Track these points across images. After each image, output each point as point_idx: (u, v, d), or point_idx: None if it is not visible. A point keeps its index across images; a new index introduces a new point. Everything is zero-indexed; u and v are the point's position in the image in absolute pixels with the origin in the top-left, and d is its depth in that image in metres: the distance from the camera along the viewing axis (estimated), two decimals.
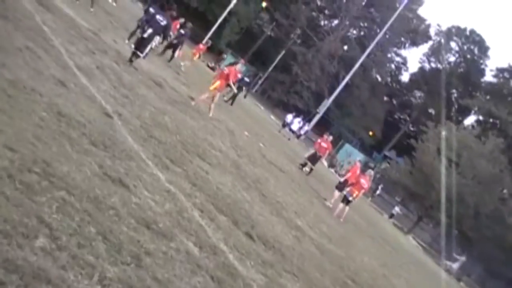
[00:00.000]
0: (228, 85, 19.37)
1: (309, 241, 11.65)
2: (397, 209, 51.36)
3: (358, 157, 52.99)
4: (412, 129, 79.53)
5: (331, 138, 27.33)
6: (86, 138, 7.39)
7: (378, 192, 56.42)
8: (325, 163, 41.93)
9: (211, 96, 18.38)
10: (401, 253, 26.33)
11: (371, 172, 22.01)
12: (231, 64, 20.94)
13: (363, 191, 21.00)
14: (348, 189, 20.43)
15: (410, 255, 29.65)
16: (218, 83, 18.55)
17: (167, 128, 11.40)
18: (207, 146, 12.81)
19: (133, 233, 5.66)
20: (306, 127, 50.65)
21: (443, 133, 54.74)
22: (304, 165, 25.48)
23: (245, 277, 6.78)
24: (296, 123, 47.84)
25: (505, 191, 57.32)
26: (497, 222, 54.16)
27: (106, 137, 7.99)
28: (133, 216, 6.06)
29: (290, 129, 45.84)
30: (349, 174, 22.07)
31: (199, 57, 36.16)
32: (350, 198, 19.97)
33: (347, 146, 54.33)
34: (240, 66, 20.94)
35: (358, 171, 21.92)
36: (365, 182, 20.64)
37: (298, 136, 47.20)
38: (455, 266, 44.34)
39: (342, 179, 21.92)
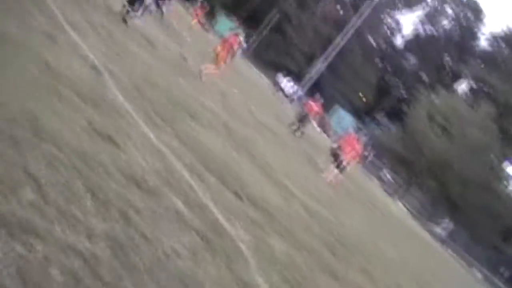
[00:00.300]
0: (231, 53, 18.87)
1: (297, 202, 11.71)
2: (387, 176, 51.57)
3: (350, 121, 53.08)
4: (404, 94, 79.47)
5: (321, 100, 27.46)
6: (76, 94, 7.32)
7: (369, 158, 56.53)
8: (317, 127, 41.91)
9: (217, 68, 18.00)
10: (390, 218, 26.58)
11: (365, 139, 22.17)
12: (234, 34, 20.39)
13: (357, 159, 21.17)
14: (342, 157, 20.57)
15: (399, 220, 29.94)
16: (221, 54, 17.99)
17: (157, 86, 11.33)
18: (198, 107, 12.76)
19: (122, 190, 5.65)
20: (300, 92, 50.50)
21: (435, 99, 54.87)
22: (297, 129, 25.48)
23: (233, 236, 6.82)
24: (289, 86, 47.71)
25: (494, 158, 57.71)
26: (485, 190, 54.67)
27: (96, 94, 7.92)
28: (122, 174, 6.04)
29: (283, 92, 45.70)
30: (344, 143, 22.21)
31: (199, 22, 35.74)
32: (345, 164, 20.17)
33: (339, 110, 54.30)
34: (241, 37, 20.47)
35: (353, 140, 22.03)
36: (359, 150, 20.83)
37: (292, 101, 47.10)
38: (442, 232, 44.86)
39: (335, 146, 22.04)
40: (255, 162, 12.20)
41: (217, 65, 17.69)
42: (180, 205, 6.47)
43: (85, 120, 6.72)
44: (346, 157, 20.28)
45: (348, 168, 20.95)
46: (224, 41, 18.80)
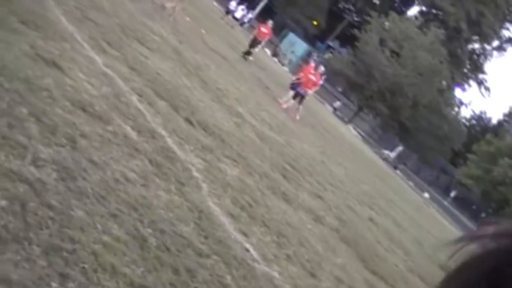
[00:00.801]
0: None
1: (249, 127, 11.71)
2: (338, 103, 52.02)
3: (301, 46, 52.77)
4: (356, 19, 79.23)
5: (270, 22, 27.31)
6: (15, 16, 7.00)
7: (320, 82, 56.74)
8: (268, 52, 41.60)
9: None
10: (341, 142, 26.95)
11: (322, 68, 22.20)
12: None
13: (315, 88, 21.28)
14: (301, 87, 20.66)
15: (349, 144, 30.41)
16: None
17: (103, 10, 10.97)
18: (146, 31, 12.45)
19: (67, 115, 5.52)
20: (250, 15, 49.76)
21: (386, 23, 54.95)
22: (247, 53, 25.21)
23: (184, 161, 6.79)
24: (240, 11, 46.97)
25: (443, 82, 58.68)
26: (434, 113, 55.88)
27: (38, 17, 7.60)
28: (67, 98, 5.89)
29: (234, 17, 44.97)
30: (301, 74, 22.34)
31: None
32: (304, 94, 20.31)
33: (291, 35, 53.71)
34: None
35: (311, 70, 22.06)
36: (316, 80, 20.93)
37: (242, 24, 46.41)
38: (392, 155, 45.88)
39: (295, 79, 22.10)
40: (206, 87, 12.08)
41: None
42: (129, 130, 6.38)
43: (27, 44, 6.47)
44: (305, 88, 20.42)
45: (307, 99, 21.10)
46: None
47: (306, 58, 24.98)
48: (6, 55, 5.76)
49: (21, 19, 7.05)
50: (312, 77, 21.02)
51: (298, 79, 21.77)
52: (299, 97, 20.51)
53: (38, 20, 7.44)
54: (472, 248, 0.73)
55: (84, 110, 5.93)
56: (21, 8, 7.42)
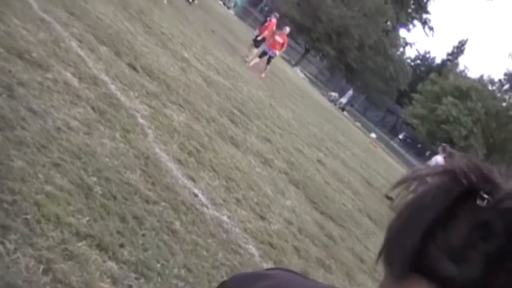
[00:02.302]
0: None
1: (195, 72, 11.55)
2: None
3: None
4: None
5: None
6: None
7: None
8: None
9: None
10: (288, 84, 26.96)
11: (287, 29, 22.13)
12: None
13: (283, 49, 22.01)
14: (266, 46, 20.91)
15: (297, 86, 30.44)
16: None
17: None
18: None
19: (3, 62, 5.29)
20: None
21: None
22: None
23: (128, 108, 6.65)
24: None
25: (388, 23, 59.04)
26: (380, 54, 56.40)
27: None
28: (2, 45, 5.63)
29: None
30: (266, 32, 22.39)
31: None
32: (272, 56, 20.77)
33: None
34: None
35: (274, 28, 22.23)
36: (283, 41, 20.95)
37: None
38: (343, 100, 46.21)
39: (259, 37, 21.96)
40: (150, 32, 11.81)
41: None
42: (69, 77, 6.18)
43: None
44: (274, 50, 20.60)
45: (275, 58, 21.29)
46: None
47: (269, 15, 24.62)
48: None
49: None
50: (279, 39, 21.08)
51: (263, 38, 21.83)
52: (266, 56, 20.57)
53: None
54: (419, 186, 0.75)
55: (20, 57, 5.70)
56: None
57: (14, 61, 5.51)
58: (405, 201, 0.75)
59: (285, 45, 22.97)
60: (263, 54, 20.96)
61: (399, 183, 0.77)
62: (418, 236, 0.70)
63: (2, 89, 4.75)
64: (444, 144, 18.54)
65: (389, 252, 0.77)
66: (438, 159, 16.95)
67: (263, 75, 19.89)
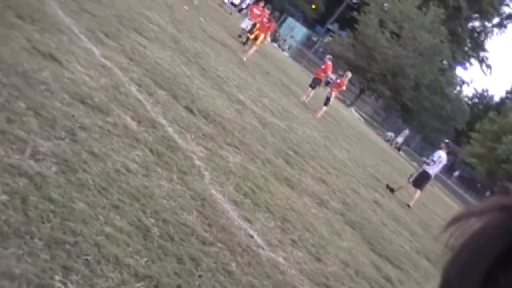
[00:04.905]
0: None
1: (251, 114, 11.68)
2: (332, 76, 51.37)
3: (301, 31, 52.61)
4: (355, 1, 78.81)
5: (268, 10, 27.41)
6: (12, 10, 6.97)
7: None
8: (268, 37, 41.39)
9: None
10: (343, 125, 26.90)
11: (349, 74, 24.09)
12: None
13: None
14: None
15: (352, 127, 30.36)
16: None
17: (100, 1, 10.92)
18: (144, 21, 12.40)
19: (66, 108, 5.50)
20: (248, 0, 49.50)
21: (385, 4, 54.66)
22: (246, 41, 25.11)
23: (185, 150, 6.78)
24: None
25: (444, 62, 58.47)
26: (436, 93, 55.77)
27: (34, 10, 7.56)
28: (66, 91, 5.86)
29: (232, 3, 44.77)
30: (322, 74, 23.95)
31: None
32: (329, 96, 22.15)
33: (289, 20, 53.49)
34: None
35: (331, 70, 24.50)
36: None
37: (240, 10, 46.20)
38: (399, 139, 45.76)
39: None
40: (206, 75, 12.05)
41: None
42: (128, 120, 6.36)
43: (24, 38, 6.44)
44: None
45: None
46: None
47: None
48: (3, 49, 5.73)
49: (17, 13, 7.01)
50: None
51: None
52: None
53: (34, 14, 7.40)
54: (474, 224, 0.70)
55: (83, 102, 5.91)
56: (17, 2, 7.38)
57: (77, 106, 5.72)
58: (460, 243, 0.72)
59: (342, 87, 23.54)
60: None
61: (452, 222, 0.73)
62: (478, 283, 0.65)
63: (65, 134, 4.93)
64: (447, 140, 18.28)
65: None
66: (441, 154, 16.65)
67: (243, 58, 19.92)
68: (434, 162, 16.80)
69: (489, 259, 0.65)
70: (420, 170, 17.35)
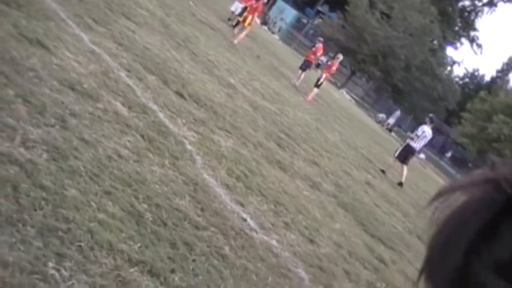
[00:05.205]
0: None
1: (242, 98, 11.66)
2: (322, 58, 51.28)
3: (291, 13, 52.42)
4: None
5: None
6: None
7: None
8: (257, 20, 41.20)
9: None
10: (334, 107, 26.90)
11: (340, 56, 24.21)
12: None
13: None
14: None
15: (343, 109, 30.36)
16: None
17: None
18: (132, 5, 12.30)
19: (56, 94, 5.46)
20: None
21: None
22: (235, 24, 24.95)
23: (176, 135, 6.76)
24: None
25: (435, 42, 58.46)
26: (427, 73, 55.81)
27: None
28: (55, 78, 5.82)
29: None
30: (312, 56, 24.48)
31: None
32: (240, 19, 21.55)
33: (279, 2, 53.24)
34: None
35: (321, 52, 24.85)
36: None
37: None
38: (391, 120, 45.86)
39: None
40: (196, 59, 11.99)
41: None
42: (119, 106, 6.33)
43: (10, 24, 6.36)
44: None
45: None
46: None
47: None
48: None
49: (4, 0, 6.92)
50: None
51: (309, 60, 24.01)
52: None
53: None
54: (459, 198, 0.70)
55: (72, 88, 5.87)
56: None
57: (66, 92, 5.68)
58: (444, 216, 0.70)
59: (334, 69, 23.62)
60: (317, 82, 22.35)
61: (437, 196, 0.73)
62: (460, 254, 0.66)
63: (55, 121, 4.91)
64: (431, 115, 18.41)
65: (430, 271, 0.72)
66: (425, 129, 16.80)
67: (235, 40, 19.86)
68: (418, 136, 16.95)
69: (473, 231, 0.65)
70: (404, 144, 17.51)
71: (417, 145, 17.12)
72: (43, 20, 7.21)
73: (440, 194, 0.73)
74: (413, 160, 30.62)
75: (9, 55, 5.54)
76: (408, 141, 17.39)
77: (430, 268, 0.71)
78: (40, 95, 5.19)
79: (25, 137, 4.34)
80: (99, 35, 8.50)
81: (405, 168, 16.60)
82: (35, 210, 3.59)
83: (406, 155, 16.96)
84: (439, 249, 0.71)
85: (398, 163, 16.84)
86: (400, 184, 15.98)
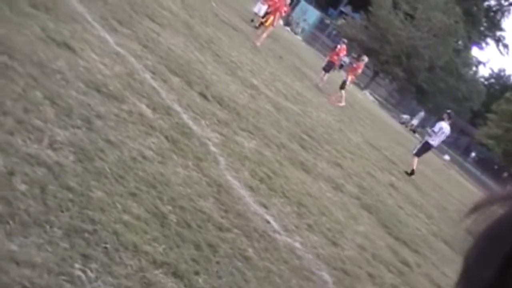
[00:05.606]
0: None
1: (265, 99, 11.68)
2: (345, 59, 51.05)
3: (314, 14, 52.31)
4: None
5: None
6: (26, 0, 6.99)
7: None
8: (280, 21, 41.19)
9: None
10: (358, 108, 26.80)
11: (365, 58, 24.33)
12: None
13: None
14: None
15: (367, 110, 30.24)
16: None
17: None
18: (156, 7, 12.38)
19: (82, 96, 5.53)
20: None
21: None
22: (259, 26, 24.93)
23: (200, 136, 6.80)
24: None
25: (459, 42, 57.93)
26: (451, 74, 55.33)
27: None
28: (81, 80, 5.89)
29: None
30: (335, 57, 24.42)
31: None
32: (264, 20, 21.74)
33: (302, 3, 53.16)
34: None
35: (344, 53, 25.13)
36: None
37: None
38: (415, 121, 45.55)
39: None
40: (219, 61, 12.04)
41: None
42: (143, 107, 6.39)
43: (38, 27, 6.46)
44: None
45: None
46: None
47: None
48: (18, 39, 5.75)
49: (31, 2, 7.01)
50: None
51: (333, 62, 24.18)
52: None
53: (48, 2, 7.40)
54: (496, 211, 0.70)
55: (98, 90, 5.94)
56: None
57: (92, 94, 5.75)
58: (481, 229, 0.72)
59: (359, 71, 23.58)
60: (343, 84, 22.37)
61: (474, 208, 0.73)
62: (497, 268, 0.65)
63: (81, 122, 4.97)
64: (449, 111, 18.35)
65: (466, 284, 0.74)
66: (443, 125, 16.71)
67: (258, 43, 19.83)
68: (436, 133, 16.93)
69: (509, 245, 0.65)
70: (423, 141, 17.48)
71: (435, 141, 17.15)
72: (70, 23, 7.30)
73: (477, 207, 0.73)
74: (437, 162, 30.39)
75: (37, 58, 5.62)
76: (426, 138, 17.43)
77: (466, 281, 0.72)
78: (67, 97, 5.26)
79: (53, 138, 4.40)
80: (124, 37, 8.58)
81: (415, 159, 16.61)
82: (62, 211, 3.64)
83: (424, 152, 17.05)
84: (475, 263, 0.71)
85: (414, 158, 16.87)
86: (411, 173, 16.00)
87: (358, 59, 25.52)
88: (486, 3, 68.97)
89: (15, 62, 5.20)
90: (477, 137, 56.15)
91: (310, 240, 6.11)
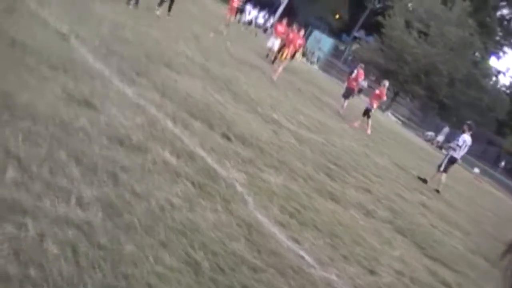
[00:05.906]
0: None
1: (287, 133, 11.70)
2: (363, 83, 50.98)
3: (328, 41, 52.59)
4: (378, 5, 78.48)
5: (297, 29, 27.20)
6: (44, 63, 7.17)
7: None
8: (300, 56, 41.46)
9: None
10: (381, 130, 26.67)
11: (386, 83, 24.04)
12: None
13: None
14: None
15: (390, 131, 30.08)
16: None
17: (128, 42, 11.14)
18: (172, 54, 12.58)
19: (106, 152, 5.61)
20: (272, 20, 49.80)
21: (410, 4, 54.34)
22: (274, 60, 25.12)
23: (226, 178, 6.82)
24: (261, 17, 47.16)
25: (477, 54, 57.60)
26: (472, 86, 54.87)
27: (65, 60, 7.76)
28: (104, 135, 5.98)
29: (256, 24, 45.03)
30: (354, 83, 24.45)
31: None
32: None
33: (315, 33, 53.57)
34: None
35: (362, 78, 25.53)
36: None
37: (265, 30, 46.50)
38: (440, 138, 45.16)
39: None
40: (239, 99, 12.13)
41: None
42: (167, 155, 6.44)
43: (58, 88, 6.61)
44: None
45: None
46: None
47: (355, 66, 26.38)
48: (40, 101, 5.88)
49: (50, 64, 7.20)
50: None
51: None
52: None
53: (66, 63, 7.59)
54: None
55: (121, 144, 6.02)
56: (49, 55, 7.57)
57: (116, 148, 5.83)
58: None
59: (383, 98, 23.62)
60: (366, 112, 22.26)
61: (509, 249, 0.73)
62: None
63: (107, 178, 5.03)
64: (469, 122, 18.16)
65: None
66: (465, 138, 16.58)
67: (274, 77, 20.01)
68: (460, 146, 16.98)
69: None
70: (448, 156, 17.39)
71: (459, 155, 17.41)
72: (88, 80, 7.45)
73: (510, 248, 0.73)
74: (467, 176, 29.98)
75: (59, 118, 5.73)
76: (451, 152, 17.42)
77: None
78: (91, 153, 5.34)
79: (80, 197, 4.45)
80: (143, 87, 8.71)
81: (444, 175, 16.55)
82: (95, 270, 3.66)
83: (451, 166, 17.02)
84: None
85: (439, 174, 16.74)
86: (437, 191, 15.90)
87: (379, 83, 25.52)
88: (499, 13, 68.67)
89: (38, 126, 5.31)
90: (505, 147, 55.37)
91: (347, 271, 6.05)
